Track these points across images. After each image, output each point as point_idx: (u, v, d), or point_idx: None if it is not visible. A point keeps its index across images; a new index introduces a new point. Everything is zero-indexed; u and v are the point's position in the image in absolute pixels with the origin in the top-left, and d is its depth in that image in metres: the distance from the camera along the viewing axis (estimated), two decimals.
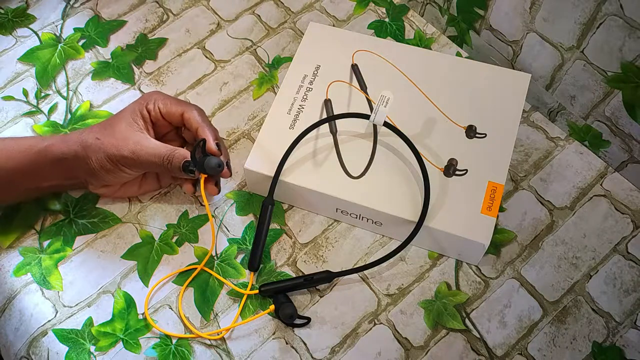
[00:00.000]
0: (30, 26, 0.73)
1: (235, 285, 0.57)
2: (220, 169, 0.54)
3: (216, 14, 0.74)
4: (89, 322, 0.55)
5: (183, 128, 0.61)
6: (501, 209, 0.60)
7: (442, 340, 0.54)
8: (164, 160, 0.54)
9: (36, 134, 0.65)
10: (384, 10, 0.74)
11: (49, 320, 0.55)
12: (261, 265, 0.58)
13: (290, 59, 0.70)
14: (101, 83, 0.69)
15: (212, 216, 0.60)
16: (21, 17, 0.74)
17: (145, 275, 0.58)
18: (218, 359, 0.54)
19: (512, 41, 0.65)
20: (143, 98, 0.57)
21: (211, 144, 0.55)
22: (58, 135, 0.57)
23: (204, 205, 0.60)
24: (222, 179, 0.61)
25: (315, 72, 0.64)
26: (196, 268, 0.57)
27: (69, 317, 0.56)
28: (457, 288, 0.57)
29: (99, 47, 0.72)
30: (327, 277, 0.55)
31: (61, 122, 0.66)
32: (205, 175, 0.55)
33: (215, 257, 0.58)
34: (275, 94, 0.66)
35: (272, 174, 0.57)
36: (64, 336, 0.55)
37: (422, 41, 0.72)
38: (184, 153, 0.54)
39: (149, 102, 0.57)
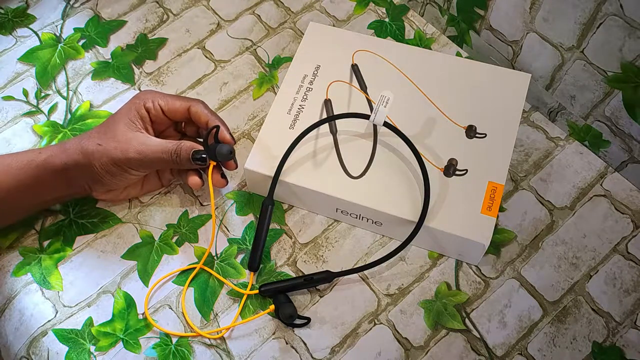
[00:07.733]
0: (30, 26, 0.73)
1: (235, 285, 0.57)
2: (232, 155, 0.55)
3: (216, 14, 0.74)
4: (89, 322, 0.55)
5: (184, 123, 0.61)
6: (501, 209, 0.60)
7: (442, 340, 0.54)
8: (173, 154, 0.54)
9: (36, 134, 0.65)
10: (384, 10, 0.74)
11: (49, 320, 0.55)
12: (261, 265, 0.58)
13: (290, 59, 0.70)
14: (101, 83, 0.69)
15: (215, 208, 0.60)
16: (21, 17, 0.74)
17: (145, 275, 0.58)
18: (218, 359, 0.54)
19: (512, 41, 0.65)
20: (138, 98, 0.57)
21: (226, 134, 0.56)
22: (55, 145, 0.56)
23: (209, 196, 0.60)
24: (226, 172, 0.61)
25: (315, 72, 0.64)
26: (195, 267, 0.57)
27: (69, 317, 0.56)
28: (457, 288, 0.57)
29: (99, 47, 0.72)
30: (327, 277, 0.55)
31: (61, 122, 0.66)
32: (214, 163, 0.55)
33: (215, 257, 0.58)
34: (275, 94, 0.66)
35: (272, 174, 0.57)
36: (64, 336, 0.55)
37: (422, 41, 0.72)
38: (190, 144, 0.54)
39: (146, 101, 0.56)
